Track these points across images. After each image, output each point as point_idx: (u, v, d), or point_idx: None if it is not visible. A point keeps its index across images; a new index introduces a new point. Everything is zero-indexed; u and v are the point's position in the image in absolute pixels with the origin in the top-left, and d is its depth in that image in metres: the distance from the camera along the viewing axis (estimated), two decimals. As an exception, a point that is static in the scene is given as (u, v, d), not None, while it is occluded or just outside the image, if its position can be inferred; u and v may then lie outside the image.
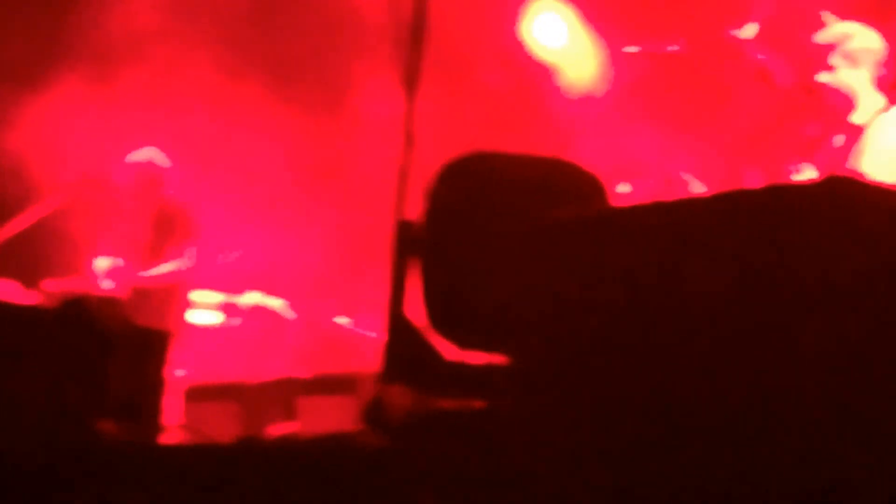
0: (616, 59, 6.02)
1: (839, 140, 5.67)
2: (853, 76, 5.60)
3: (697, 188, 6.06)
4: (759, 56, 5.74)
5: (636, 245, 3.16)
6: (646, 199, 5.99)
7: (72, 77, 8.87)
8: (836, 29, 5.64)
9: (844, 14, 5.82)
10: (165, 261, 7.73)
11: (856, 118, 5.60)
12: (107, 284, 7.68)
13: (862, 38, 5.62)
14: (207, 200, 8.64)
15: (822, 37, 5.65)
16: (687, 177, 6.09)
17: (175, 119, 8.99)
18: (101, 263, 7.77)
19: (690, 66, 6.33)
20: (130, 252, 7.87)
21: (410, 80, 4.11)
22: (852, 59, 5.60)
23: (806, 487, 2.69)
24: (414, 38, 4.16)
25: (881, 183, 4.71)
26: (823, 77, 5.62)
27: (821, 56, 5.60)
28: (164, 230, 7.80)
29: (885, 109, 5.59)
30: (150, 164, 7.92)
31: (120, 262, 7.77)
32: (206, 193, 8.77)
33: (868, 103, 5.61)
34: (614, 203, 4.65)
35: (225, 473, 3.40)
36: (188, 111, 9.05)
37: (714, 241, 3.02)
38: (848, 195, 2.88)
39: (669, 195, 5.98)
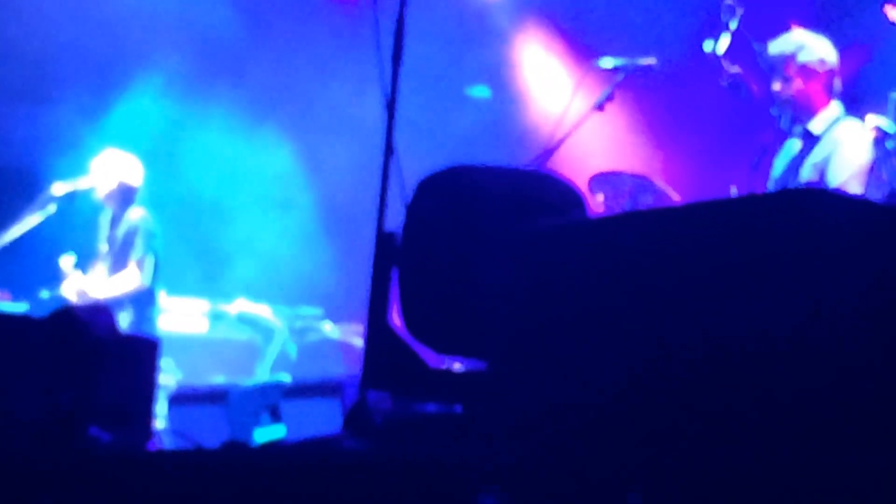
0: (590, 73, 6.11)
1: (796, 147, 5.75)
2: (807, 85, 5.67)
3: (672, 198, 6.16)
4: (732, 68, 5.83)
5: (613, 254, 3.20)
6: (621, 208, 6.08)
7: (67, 94, 8.93)
8: (789, 39, 5.72)
9: (807, 24, 5.91)
10: (119, 274, 7.75)
11: (813, 127, 5.67)
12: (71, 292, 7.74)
13: (814, 48, 5.70)
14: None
15: (775, 48, 5.72)
16: (662, 186, 6.19)
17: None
18: (70, 271, 7.81)
19: (664, 78, 6.42)
20: (95, 262, 7.90)
21: (391, 94, 4.20)
22: (805, 70, 5.67)
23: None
24: (395, 55, 4.25)
25: (855, 195, 4.80)
26: (778, 87, 5.70)
27: (776, 67, 5.68)
28: (127, 243, 7.79)
29: (843, 118, 5.66)
30: (122, 179, 7.89)
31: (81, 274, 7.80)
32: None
33: (824, 112, 5.68)
34: (592, 213, 4.71)
35: (212, 478, 3.41)
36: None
37: (689, 250, 3.06)
38: (824, 207, 2.92)
39: (645, 205, 6.08)
